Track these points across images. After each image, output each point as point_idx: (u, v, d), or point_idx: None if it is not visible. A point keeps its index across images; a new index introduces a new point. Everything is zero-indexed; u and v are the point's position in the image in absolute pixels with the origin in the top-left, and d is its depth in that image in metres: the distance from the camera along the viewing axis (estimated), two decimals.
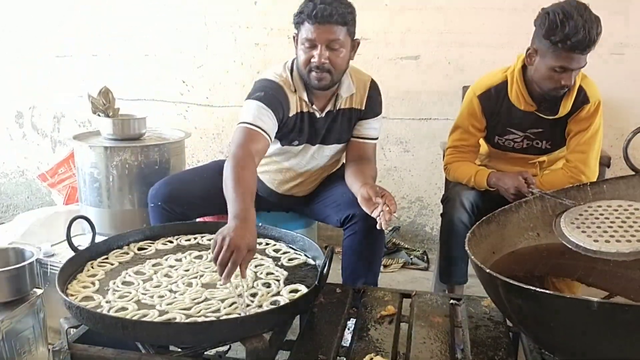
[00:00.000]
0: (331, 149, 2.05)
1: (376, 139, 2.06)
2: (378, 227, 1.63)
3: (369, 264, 1.89)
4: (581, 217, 1.57)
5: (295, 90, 1.92)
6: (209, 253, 1.64)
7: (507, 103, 2.06)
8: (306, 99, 1.93)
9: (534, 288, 1.07)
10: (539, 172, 2.17)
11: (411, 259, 3.07)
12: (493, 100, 2.07)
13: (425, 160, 3.18)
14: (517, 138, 2.11)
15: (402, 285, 2.78)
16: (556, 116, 2.02)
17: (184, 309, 1.36)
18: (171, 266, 1.59)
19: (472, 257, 1.30)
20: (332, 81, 1.87)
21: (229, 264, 1.36)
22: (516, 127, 2.09)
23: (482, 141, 2.21)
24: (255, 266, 1.63)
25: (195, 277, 1.54)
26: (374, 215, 1.66)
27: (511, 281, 1.13)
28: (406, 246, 3.19)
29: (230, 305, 1.40)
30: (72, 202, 2.99)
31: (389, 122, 3.15)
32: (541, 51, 1.87)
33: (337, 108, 1.98)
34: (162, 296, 1.41)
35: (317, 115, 1.97)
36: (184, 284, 1.49)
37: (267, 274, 1.60)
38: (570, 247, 1.48)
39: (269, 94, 1.86)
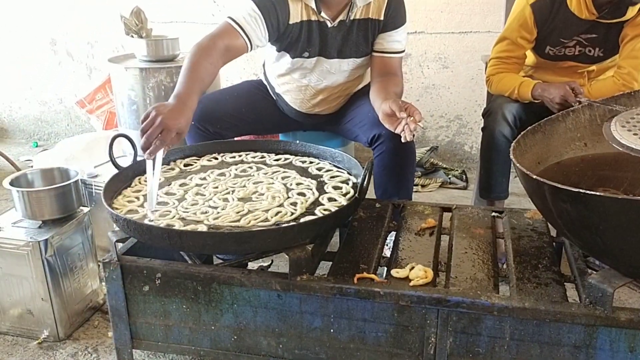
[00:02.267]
0: (349, 64, 1.97)
1: (401, 52, 1.96)
2: (403, 140, 1.58)
3: (399, 181, 1.87)
4: (632, 121, 1.51)
5: None
6: (230, 170, 1.68)
7: (564, 11, 1.95)
8: (313, 6, 1.82)
9: (583, 190, 1.04)
10: (586, 83, 2.08)
11: (449, 178, 3.05)
12: (547, 10, 1.97)
13: (465, 76, 3.09)
14: (569, 44, 2.01)
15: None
16: (621, 19, 1.90)
17: (233, 222, 1.38)
18: (198, 185, 1.61)
19: (518, 165, 1.28)
20: None
21: (157, 141, 1.41)
22: (570, 35, 1.99)
23: (528, 52, 2.12)
24: (283, 178, 1.64)
25: (228, 193, 1.55)
26: (397, 131, 1.61)
27: (559, 185, 1.10)
28: (444, 166, 3.16)
29: (276, 214, 1.42)
30: (111, 127, 3.04)
31: (427, 37, 3.04)
32: None
33: (351, 18, 1.87)
34: (205, 212, 1.43)
35: (328, 24, 1.87)
36: (220, 199, 1.51)
37: (297, 184, 1.61)
38: (620, 149, 1.43)
39: None
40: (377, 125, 1.76)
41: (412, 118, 1.57)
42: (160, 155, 1.47)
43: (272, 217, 1.40)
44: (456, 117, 3.20)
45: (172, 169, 1.72)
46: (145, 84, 2.34)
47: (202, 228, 1.35)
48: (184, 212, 1.44)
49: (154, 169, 1.47)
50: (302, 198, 1.51)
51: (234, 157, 1.82)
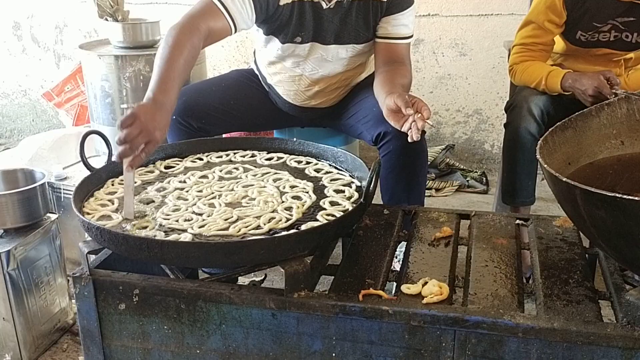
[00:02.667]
0: (348, 50, 1.97)
1: (408, 37, 1.97)
2: (409, 139, 1.58)
3: (409, 185, 1.88)
4: None
5: None
6: (214, 172, 1.68)
7: None
8: None
9: (620, 195, 1.04)
10: (623, 72, 2.08)
11: (467, 181, 3.06)
12: None
13: (485, 65, 3.10)
14: (603, 29, 2.01)
15: None
16: None
17: (221, 230, 1.39)
18: (180, 188, 1.61)
19: (545, 166, 1.28)
20: None
21: (143, 154, 1.43)
22: (604, 18, 1.99)
23: (557, 37, 2.13)
24: (275, 180, 1.64)
25: (214, 198, 1.56)
26: (403, 129, 1.61)
27: (592, 189, 1.10)
28: (462, 167, 3.16)
29: (269, 221, 1.42)
30: (82, 122, 3.04)
31: (442, 20, 3.05)
32: None
33: None
34: (189, 220, 1.44)
35: (323, 5, 1.87)
36: (205, 205, 1.51)
37: (291, 187, 1.61)
38: None
39: None
40: (382, 122, 1.76)
41: (419, 115, 1.58)
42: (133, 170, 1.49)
43: (264, 224, 1.41)
44: (475, 112, 3.21)
45: (151, 171, 1.72)
46: (122, 74, 2.34)
47: (186, 237, 1.35)
48: (164, 219, 1.44)
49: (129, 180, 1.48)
50: (297, 202, 1.51)
51: (221, 156, 1.82)
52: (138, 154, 1.43)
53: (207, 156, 1.82)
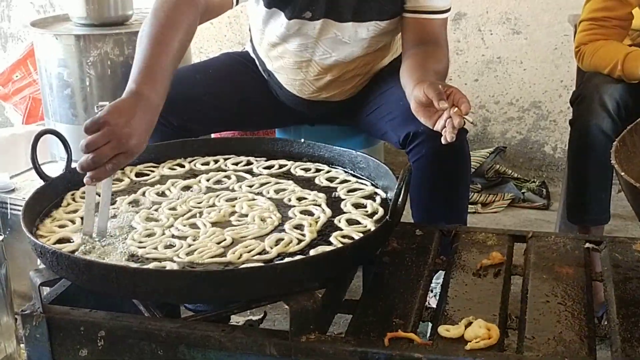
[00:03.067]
0: (369, 29, 1.98)
1: (445, 11, 1.97)
2: (443, 141, 1.59)
3: (448, 198, 1.89)
4: None
5: None
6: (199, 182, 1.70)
7: None
8: None
9: None
10: None
11: (523, 193, 3.06)
12: None
13: (545, 45, 3.10)
14: None
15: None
16: None
17: (217, 257, 1.39)
18: (158, 203, 1.62)
19: (623, 174, 1.27)
20: None
21: (109, 165, 1.40)
22: None
23: (636, 10, 2.12)
24: (277, 192, 1.66)
25: (194, 216, 1.56)
26: (437, 128, 1.62)
27: None
28: (516, 175, 3.16)
29: (277, 243, 1.42)
30: (34, 120, 3.07)
31: None
32: None
33: None
34: (172, 246, 1.44)
35: None
36: (184, 226, 1.51)
37: (298, 199, 1.62)
38: None
39: None
40: (412, 119, 1.77)
41: (456, 110, 1.57)
42: (109, 181, 1.50)
43: (271, 248, 1.41)
44: (532, 105, 3.20)
45: (120, 180, 1.73)
46: (84, 58, 2.37)
47: (171, 266, 1.35)
48: (138, 247, 1.44)
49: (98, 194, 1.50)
50: (308, 218, 1.52)
51: (208, 163, 1.83)
52: (103, 167, 1.41)
53: (189, 162, 1.83)
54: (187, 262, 1.37)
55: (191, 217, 1.55)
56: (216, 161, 1.83)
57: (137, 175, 1.76)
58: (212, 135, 2.17)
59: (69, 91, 2.41)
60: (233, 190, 1.68)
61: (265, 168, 1.80)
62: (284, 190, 1.66)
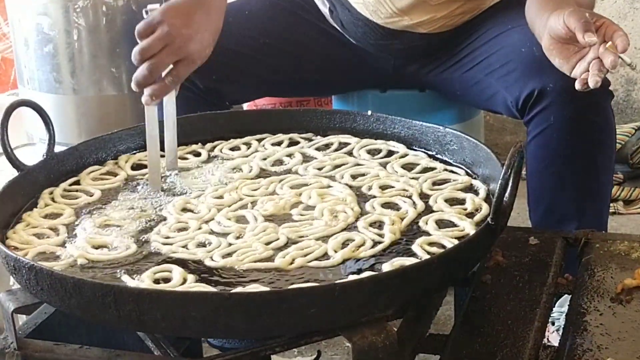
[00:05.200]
0: None
1: None
2: (579, 86, 1.58)
3: (583, 189, 1.89)
4: None
5: None
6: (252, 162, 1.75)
7: None
8: None
9: None
10: None
11: None
12: None
13: None
14: None
15: None
16: None
17: (261, 261, 1.41)
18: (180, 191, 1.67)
19: None
20: None
21: (169, 78, 1.54)
22: None
23: None
24: (354, 177, 1.67)
25: (244, 207, 1.59)
26: (575, 73, 1.61)
27: None
28: None
29: (344, 245, 1.44)
30: (4, 88, 3.13)
31: None
32: None
33: None
34: (206, 244, 1.47)
35: None
36: (229, 219, 1.54)
37: (382, 187, 1.64)
38: None
39: None
40: (537, 72, 1.77)
41: (609, 44, 1.56)
42: (172, 99, 1.60)
43: (335, 251, 1.43)
44: None
45: (113, 173, 1.78)
46: (71, 3, 2.39)
47: (254, 288, 1.35)
48: (162, 242, 1.48)
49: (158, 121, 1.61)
50: (392, 214, 1.53)
51: (235, 147, 1.86)
52: (162, 81, 1.54)
53: (205, 147, 1.87)
54: (221, 267, 1.40)
55: (240, 208, 1.58)
56: (248, 145, 1.86)
57: (135, 167, 1.80)
58: (245, 106, 2.18)
59: (50, 48, 2.44)
60: (297, 173, 1.72)
61: (317, 149, 1.82)
62: (363, 175, 1.69)
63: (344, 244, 1.45)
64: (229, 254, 1.43)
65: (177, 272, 1.39)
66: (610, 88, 1.76)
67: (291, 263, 1.40)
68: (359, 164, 1.74)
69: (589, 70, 1.56)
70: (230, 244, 1.47)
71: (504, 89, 1.95)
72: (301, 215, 1.56)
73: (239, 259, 1.41)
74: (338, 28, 2.17)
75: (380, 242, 1.45)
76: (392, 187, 1.64)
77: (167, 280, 1.39)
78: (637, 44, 3.19)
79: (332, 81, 2.27)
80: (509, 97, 1.92)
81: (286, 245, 1.46)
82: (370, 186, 1.65)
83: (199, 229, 1.53)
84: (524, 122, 1.89)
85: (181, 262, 1.43)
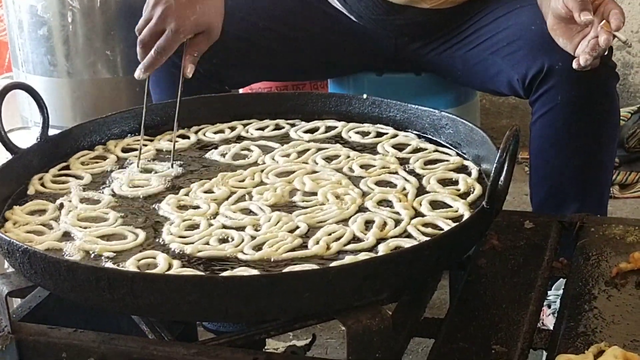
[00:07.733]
0: None
1: None
2: (575, 65, 1.59)
3: (586, 171, 1.90)
4: None
5: None
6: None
7: None
8: None
9: None
10: None
11: None
12: None
13: None
14: None
15: None
16: None
17: (296, 250, 1.42)
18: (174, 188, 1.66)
19: None
20: None
21: (156, 50, 1.64)
22: None
23: None
24: (328, 159, 1.68)
25: (241, 199, 1.59)
26: (579, 51, 1.62)
27: None
28: None
29: (367, 227, 1.45)
30: None
31: None
32: None
33: None
34: (229, 239, 1.46)
35: None
36: (234, 212, 1.54)
37: (362, 166, 1.65)
38: None
39: None
40: (544, 50, 1.79)
41: (603, 23, 1.57)
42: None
43: (364, 234, 1.43)
44: None
45: (102, 157, 1.78)
46: None
47: (244, 272, 1.36)
48: (181, 242, 1.47)
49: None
50: (392, 191, 1.54)
51: (222, 131, 1.87)
52: (154, 53, 1.65)
53: (199, 130, 1.88)
54: (258, 260, 1.39)
55: (238, 201, 1.58)
56: (233, 128, 1.87)
57: (125, 150, 1.80)
58: (240, 91, 2.19)
59: (44, 31, 2.43)
60: (256, 164, 1.71)
61: (306, 132, 1.83)
62: (335, 156, 1.70)
63: (367, 226, 1.46)
64: (259, 246, 1.43)
65: (161, 257, 1.40)
66: (626, 44, 1.75)
67: (328, 249, 1.40)
68: (321, 149, 1.74)
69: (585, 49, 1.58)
70: (253, 237, 1.45)
71: (510, 67, 1.95)
72: (305, 201, 1.56)
73: (274, 251, 1.41)
74: (339, 4, 2.15)
75: (400, 220, 1.46)
76: (373, 165, 1.65)
77: (152, 267, 1.39)
78: (634, 27, 3.18)
79: (332, 63, 2.27)
80: (515, 75, 1.92)
81: (308, 232, 1.46)
82: (351, 167, 1.65)
83: (210, 225, 1.51)
84: (530, 101, 1.89)
85: (215, 261, 1.42)
